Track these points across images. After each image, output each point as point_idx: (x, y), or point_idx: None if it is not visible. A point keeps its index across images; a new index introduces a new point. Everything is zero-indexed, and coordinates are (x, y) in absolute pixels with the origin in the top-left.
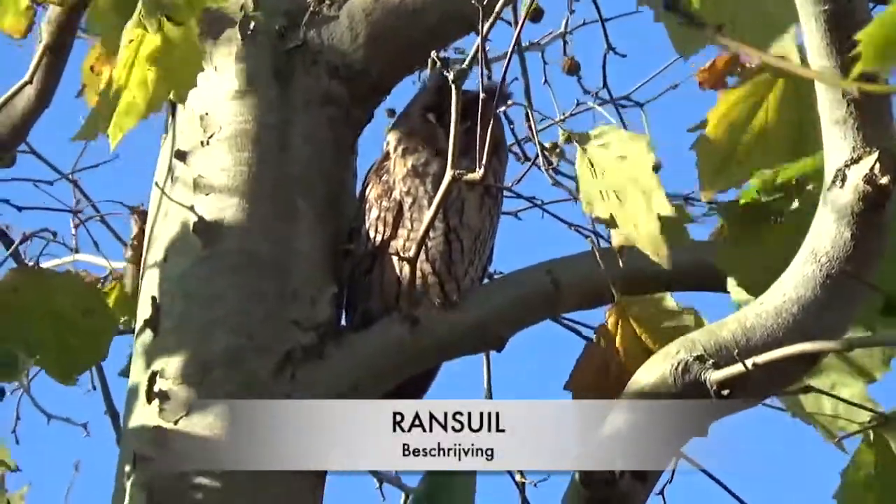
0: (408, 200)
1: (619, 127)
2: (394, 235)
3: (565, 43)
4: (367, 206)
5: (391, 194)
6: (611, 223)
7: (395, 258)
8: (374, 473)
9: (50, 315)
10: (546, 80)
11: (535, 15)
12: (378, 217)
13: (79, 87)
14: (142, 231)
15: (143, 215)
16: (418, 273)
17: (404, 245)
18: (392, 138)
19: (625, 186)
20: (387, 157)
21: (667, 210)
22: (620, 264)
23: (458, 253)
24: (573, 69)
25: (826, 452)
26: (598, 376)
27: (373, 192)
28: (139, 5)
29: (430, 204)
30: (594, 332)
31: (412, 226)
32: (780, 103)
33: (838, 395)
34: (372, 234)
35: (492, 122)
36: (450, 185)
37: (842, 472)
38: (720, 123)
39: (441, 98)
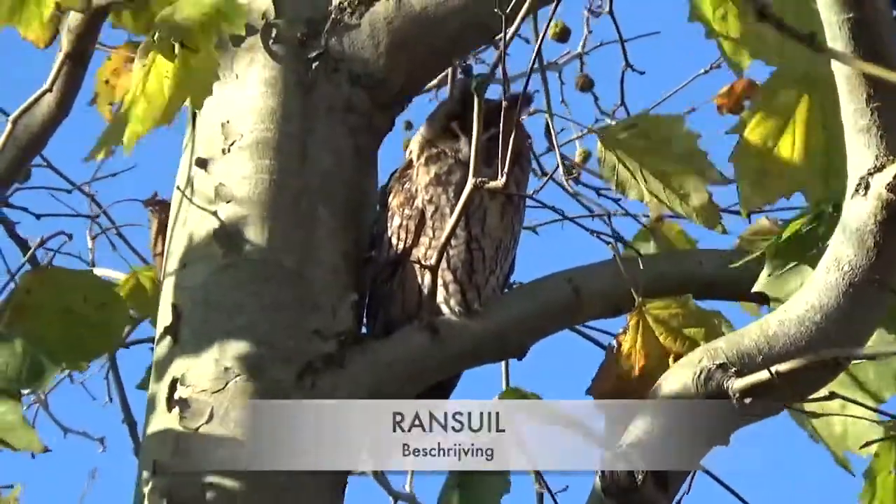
0: (430, 208)
1: None
2: (416, 243)
3: (582, 63)
4: (390, 213)
5: (413, 202)
6: (650, 202)
7: (416, 266)
8: (390, 492)
9: (61, 311)
10: (563, 100)
11: (562, 34)
12: (400, 225)
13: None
14: (161, 223)
15: (160, 205)
16: (440, 281)
17: (426, 253)
18: (415, 146)
19: (669, 165)
20: (409, 165)
21: (716, 178)
22: (640, 265)
23: (480, 261)
24: (586, 86)
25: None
26: (620, 382)
27: (395, 200)
28: (153, 31)
29: (452, 212)
30: (615, 337)
31: (434, 234)
32: (806, 121)
33: (856, 405)
34: (394, 241)
35: (514, 132)
36: (471, 193)
37: (865, 473)
38: (754, 136)
39: (464, 107)
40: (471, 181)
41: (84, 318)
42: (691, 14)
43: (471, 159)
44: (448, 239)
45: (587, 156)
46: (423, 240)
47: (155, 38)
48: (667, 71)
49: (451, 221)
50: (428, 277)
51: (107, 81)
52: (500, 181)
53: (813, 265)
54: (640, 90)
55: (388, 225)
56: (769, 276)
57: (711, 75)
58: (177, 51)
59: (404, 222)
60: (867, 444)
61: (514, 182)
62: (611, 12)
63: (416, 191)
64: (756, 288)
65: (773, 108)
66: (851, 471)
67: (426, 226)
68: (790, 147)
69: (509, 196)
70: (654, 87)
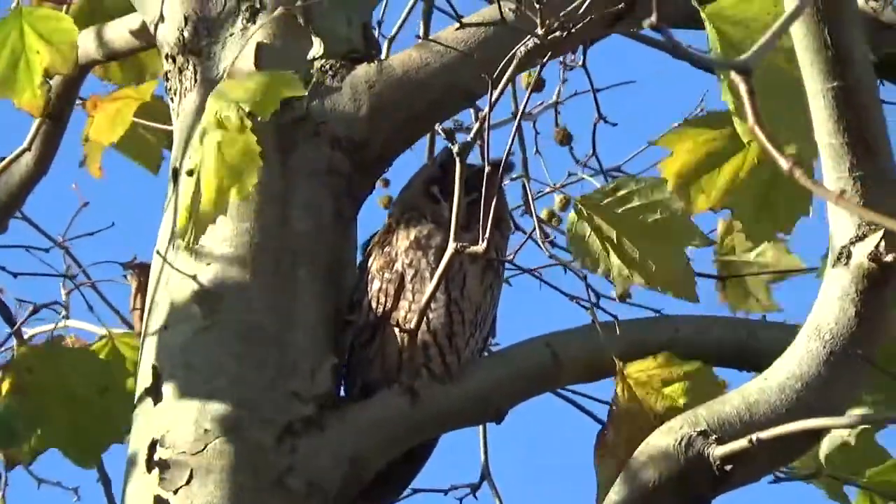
0: (410, 272)
1: None
2: (395, 307)
3: (557, 113)
4: (369, 277)
5: (393, 266)
6: (617, 279)
7: (396, 329)
8: None
9: (66, 397)
10: (538, 150)
11: (538, 85)
12: (380, 288)
13: (71, 155)
14: (140, 284)
15: (139, 268)
16: (419, 344)
17: (405, 316)
18: (395, 210)
19: (648, 232)
20: (389, 228)
21: (699, 242)
22: (618, 329)
23: (460, 325)
24: (565, 140)
25: None
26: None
27: (375, 264)
28: (213, 102)
29: (432, 276)
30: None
31: (414, 297)
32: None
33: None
34: (373, 305)
35: (495, 196)
36: (452, 257)
37: None
38: (693, 149)
39: (445, 171)
40: (451, 246)
41: (87, 404)
42: (723, 93)
43: (452, 224)
44: (428, 302)
45: (552, 215)
46: (403, 303)
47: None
48: (644, 119)
49: (431, 285)
50: (407, 341)
51: (86, 139)
52: (480, 246)
53: None
54: (617, 140)
55: (368, 288)
56: None
57: None
58: (245, 121)
59: (384, 286)
60: None
61: (494, 246)
62: (584, 65)
63: (396, 254)
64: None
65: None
66: None
67: (406, 289)
68: (737, 167)
69: (489, 260)
70: (631, 136)
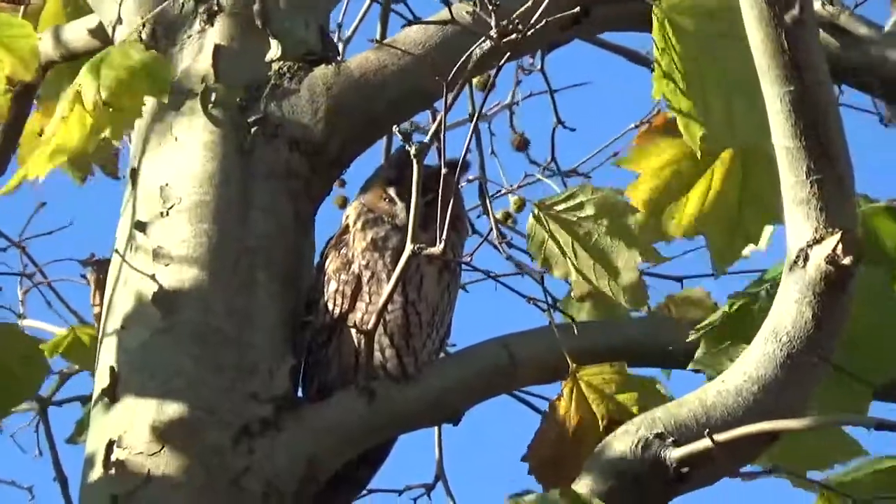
0: (366, 274)
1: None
2: (352, 308)
3: (512, 114)
4: (326, 278)
5: (350, 267)
6: (575, 281)
7: (353, 331)
8: None
9: None
10: (493, 152)
11: (489, 85)
12: (336, 290)
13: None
14: (99, 281)
15: (97, 265)
16: (376, 346)
17: (362, 318)
18: (352, 212)
19: (603, 239)
20: (346, 230)
21: (651, 256)
22: (576, 332)
23: (417, 326)
24: (522, 146)
25: None
26: (556, 447)
27: (331, 265)
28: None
29: (388, 278)
30: (549, 404)
31: (370, 299)
32: (726, 176)
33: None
34: (330, 306)
35: (451, 197)
36: (409, 259)
37: None
38: (659, 173)
39: (401, 173)
40: (409, 247)
41: (8, 369)
42: (655, 91)
43: (409, 225)
44: (385, 304)
45: (507, 216)
46: (360, 304)
47: (79, 91)
48: (600, 122)
49: (388, 286)
50: (364, 342)
51: (41, 133)
52: (438, 247)
53: (748, 342)
54: (571, 142)
55: (325, 290)
56: (704, 353)
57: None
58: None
59: (341, 287)
60: None
61: (451, 247)
62: (542, 70)
63: (353, 256)
64: (691, 366)
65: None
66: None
67: (362, 291)
68: (704, 192)
69: (446, 261)
70: (586, 139)
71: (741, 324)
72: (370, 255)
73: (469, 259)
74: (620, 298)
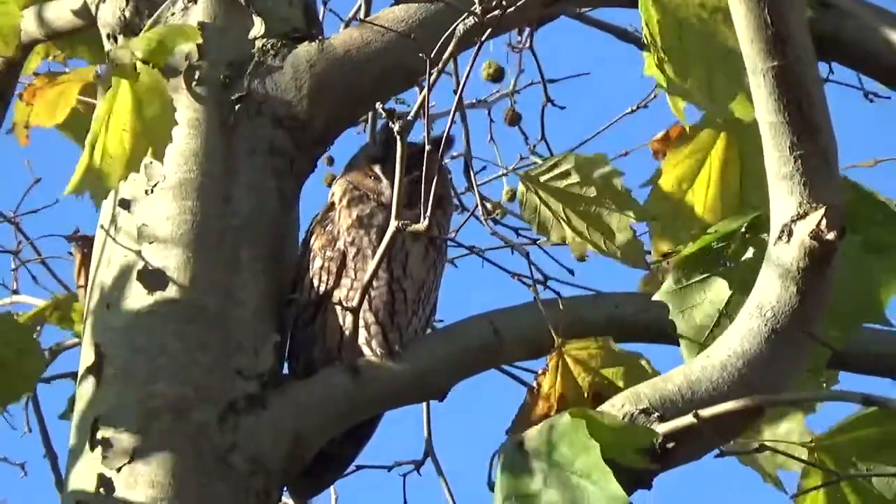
0: (352, 251)
1: None
2: (337, 285)
3: (513, 101)
4: (311, 255)
5: (335, 244)
6: (572, 242)
7: (338, 308)
8: None
9: None
10: (492, 138)
11: (496, 75)
12: (322, 266)
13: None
14: (84, 257)
15: (83, 240)
16: (361, 323)
17: (347, 295)
18: (337, 189)
19: (592, 204)
20: (331, 207)
21: (640, 215)
22: (560, 306)
23: (402, 303)
24: (514, 120)
25: None
26: (541, 422)
27: (317, 242)
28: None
29: (374, 254)
30: (534, 378)
31: (356, 276)
32: (723, 159)
33: (781, 446)
34: (315, 283)
35: (436, 175)
36: (394, 235)
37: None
38: (669, 180)
39: (387, 149)
40: (393, 224)
41: (5, 362)
42: (646, 67)
43: (393, 202)
44: (370, 280)
45: (514, 194)
46: (345, 281)
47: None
48: (597, 109)
49: (372, 263)
50: (349, 319)
51: (27, 103)
52: (422, 224)
53: (717, 285)
54: (570, 129)
55: (310, 267)
56: (674, 286)
57: (641, 115)
58: (139, 68)
59: (326, 264)
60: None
61: (437, 224)
62: (531, 48)
63: (338, 233)
64: (657, 297)
65: (691, 146)
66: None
67: (348, 268)
68: (705, 185)
69: (432, 238)
70: (584, 125)
71: (713, 261)
72: (355, 231)
73: (453, 235)
74: (617, 258)
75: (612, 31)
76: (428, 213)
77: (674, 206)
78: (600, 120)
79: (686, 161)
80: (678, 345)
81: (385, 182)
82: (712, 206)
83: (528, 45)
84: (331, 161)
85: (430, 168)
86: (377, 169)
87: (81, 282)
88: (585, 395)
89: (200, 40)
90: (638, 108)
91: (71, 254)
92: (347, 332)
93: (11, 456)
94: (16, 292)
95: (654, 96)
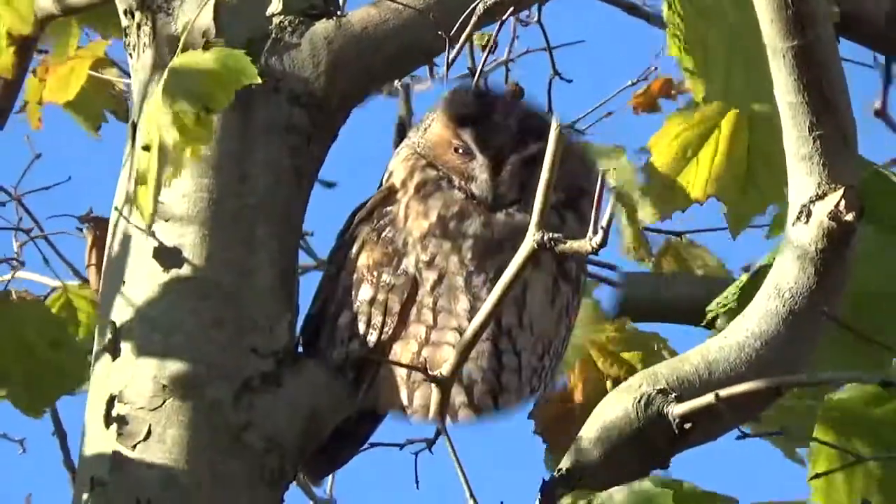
0: (430, 276)
1: None
2: (400, 334)
3: (508, 70)
4: (355, 278)
5: (399, 263)
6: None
7: (400, 372)
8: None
9: (21, 348)
10: None
11: (491, 46)
12: (373, 300)
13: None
14: (96, 239)
15: (95, 222)
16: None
17: (420, 353)
18: (400, 167)
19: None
20: (390, 195)
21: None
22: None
23: (513, 373)
24: (517, 96)
25: None
26: (562, 407)
27: (365, 257)
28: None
29: (467, 284)
30: None
31: (435, 322)
32: (732, 136)
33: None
34: (361, 328)
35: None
36: (527, 258)
37: None
38: (668, 148)
39: (484, 109)
40: (532, 235)
41: (41, 358)
42: (669, 48)
43: (537, 202)
44: (476, 336)
45: None
46: (417, 330)
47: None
48: (596, 80)
49: (485, 307)
50: (424, 392)
51: (40, 79)
52: (590, 240)
53: None
54: (566, 98)
55: (352, 298)
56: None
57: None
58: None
59: (381, 296)
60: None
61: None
62: (539, 21)
63: (406, 244)
64: None
65: (701, 113)
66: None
67: (421, 305)
68: (711, 154)
69: (563, 267)
70: (582, 97)
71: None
72: (437, 243)
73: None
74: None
75: (621, 6)
76: (601, 224)
77: (674, 171)
78: (600, 88)
79: (695, 128)
80: (696, 325)
81: (481, 159)
82: (717, 177)
83: (536, 19)
84: None
85: (557, 146)
86: (467, 136)
87: (93, 261)
88: (605, 377)
89: (258, 80)
90: (639, 80)
91: (80, 230)
92: (428, 410)
93: (11, 432)
94: (21, 266)
95: (655, 69)
